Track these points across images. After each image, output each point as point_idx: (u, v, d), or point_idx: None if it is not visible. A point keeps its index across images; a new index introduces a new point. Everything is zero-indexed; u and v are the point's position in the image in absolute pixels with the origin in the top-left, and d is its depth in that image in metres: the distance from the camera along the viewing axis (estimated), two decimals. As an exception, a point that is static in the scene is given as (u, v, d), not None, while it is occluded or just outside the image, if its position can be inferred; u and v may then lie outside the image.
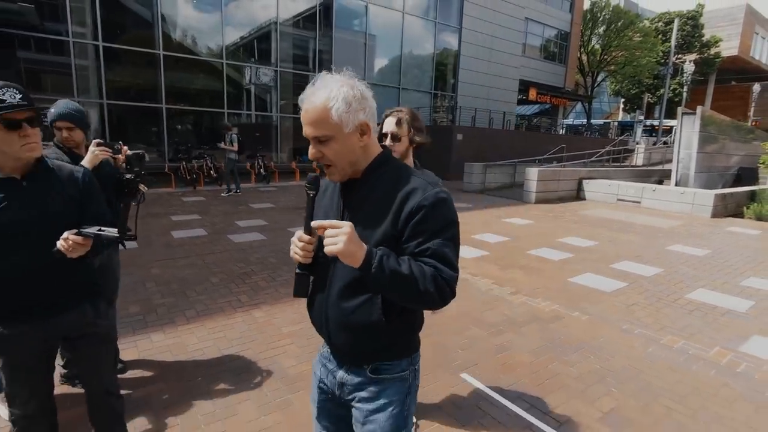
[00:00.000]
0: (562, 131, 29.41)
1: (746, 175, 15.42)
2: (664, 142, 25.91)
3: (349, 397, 1.26)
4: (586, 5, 29.32)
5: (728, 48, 36.11)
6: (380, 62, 17.99)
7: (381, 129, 2.14)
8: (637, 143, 26.41)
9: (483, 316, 3.89)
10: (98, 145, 2.40)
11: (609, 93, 41.93)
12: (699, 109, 12.00)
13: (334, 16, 15.87)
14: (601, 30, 29.99)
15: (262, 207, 9.04)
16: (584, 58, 30.78)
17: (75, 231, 1.47)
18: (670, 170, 13.50)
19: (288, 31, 15.21)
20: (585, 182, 12.22)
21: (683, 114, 12.28)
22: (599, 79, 32.94)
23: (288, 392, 2.63)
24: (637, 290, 4.73)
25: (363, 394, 1.23)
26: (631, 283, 4.95)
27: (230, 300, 4.05)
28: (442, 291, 1.07)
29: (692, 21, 34.97)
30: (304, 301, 1.28)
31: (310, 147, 1.14)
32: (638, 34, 29.56)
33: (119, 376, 2.71)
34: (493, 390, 2.74)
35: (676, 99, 34.50)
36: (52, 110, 2.46)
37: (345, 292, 1.17)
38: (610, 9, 29.25)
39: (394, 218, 1.11)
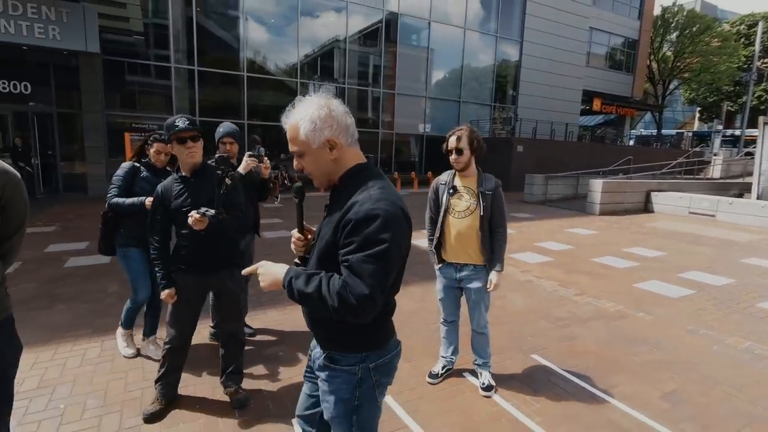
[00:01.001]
0: (630, 142, 28.19)
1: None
2: (747, 153, 24.07)
3: (317, 373, 1.45)
4: (657, 11, 28.14)
5: (825, 51, 32.79)
6: (441, 76, 18.54)
7: (447, 145, 2.70)
8: (715, 154, 24.73)
9: (549, 312, 4.25)
10: (249, 156, 3.17)
11: (683, 102, 39.53)
12: (783, 118, 11.33)
13: (398, 33, 16.71)
14: (673, 36, 28.61)
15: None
16: (654, 65, 29.46)
17: (196, 211, 2.25)
18: (750, 183, 12.77)
19: (354, 48, 16.22)
20: (654, 194, 11.91)
21: (765, 123, 11.64)
22: (671, 87, 31.27)
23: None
24: (705, 297, 4.83)
25: (322, 374, 1.41)
26: (699, 291, 5.05)
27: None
28: (346, 304, 1.16)
29: (780, 22, 32.26)
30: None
31: (294, 159, 1.34)
32: (716, 39, 27.85)
33: (250, 339, 3.43)
34: (562, 369, 3.13)
35: (762, 107, 31.89)
36: (220, 129, 3.29)
37: None
38: (684, 14, 27.87)
39: (336, 227, 1.25)
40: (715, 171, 20.30)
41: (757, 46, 26.26)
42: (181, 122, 2.32)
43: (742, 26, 34.24)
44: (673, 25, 28.21)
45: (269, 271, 1.28)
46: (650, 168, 17.08)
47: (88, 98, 11.15)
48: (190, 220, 2.24)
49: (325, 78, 16.09)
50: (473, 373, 2.98)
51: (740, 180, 17.03)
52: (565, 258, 6.42)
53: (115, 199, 2.89)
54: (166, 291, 2.39)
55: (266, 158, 3.30)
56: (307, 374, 1.56)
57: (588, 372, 3.11)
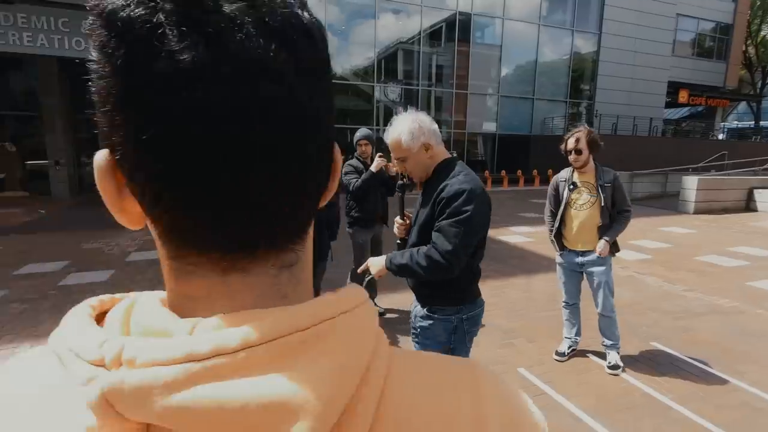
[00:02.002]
0: (722, 135, 25.89)
1: None
2: None
3: (416, 324, 1.84)
4: (756, -9, 25.58)
5: None
6: (513, 74, 18.37)
7: (566, 146, 2.96)
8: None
9: (659, 305, 4.33)
10: (380, 156, 3.64)
11: (786, 89, 35.38)
12: None
13: (470, 33, 16.82)
14: (775, 17, 25.87)
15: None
16: (752, 50, 26.80)
17: None
18: None
19: (426, 50, 16.57)
20: (757, 192, 11.05)
21: None
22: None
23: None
24: (832, 297, 4.61)
25: (424, 323, 1.80)
26: (823, 290, 4.82)
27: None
28: (433, 260, 1.58)
29: None
30: None
31: (397, 164, 1.80)
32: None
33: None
34: (684, 355, 3.27)
35: None
36: (357, 134, 3.82)
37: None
38: (789, -8, 25.11)
39: (432, 205, 1.67)
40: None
41: None
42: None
43: None
44: (774, 5, 25.52)
45: (375, 263, 1.78)
46: (749, 164, 15.72)
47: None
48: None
49: (399, 80, 16.61)
50: (597, 354, 3.22)
51: None
52: (664, 255, 6.32)
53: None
54: None
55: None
56: (413, 335, 1.91)
57: (712, 359, 3.22)
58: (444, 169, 1.73)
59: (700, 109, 27.21)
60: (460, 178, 1.65)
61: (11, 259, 5.69)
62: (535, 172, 16.38)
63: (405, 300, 4.38)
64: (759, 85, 27.45)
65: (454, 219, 1.58)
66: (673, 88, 22.94)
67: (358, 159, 3.81)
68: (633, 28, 19.25)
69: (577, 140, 2.87)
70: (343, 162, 2.97)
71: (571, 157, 2.93)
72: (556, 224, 3.07)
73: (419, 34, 16.12)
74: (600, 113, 17.37)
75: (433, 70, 17.08)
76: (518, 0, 17.41)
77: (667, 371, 3.04)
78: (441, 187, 1.65)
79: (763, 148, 18.89)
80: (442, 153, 1.76)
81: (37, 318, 3.87)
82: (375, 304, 4.03)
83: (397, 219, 1.94)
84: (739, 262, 5.98)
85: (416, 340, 1.92)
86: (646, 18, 19.51)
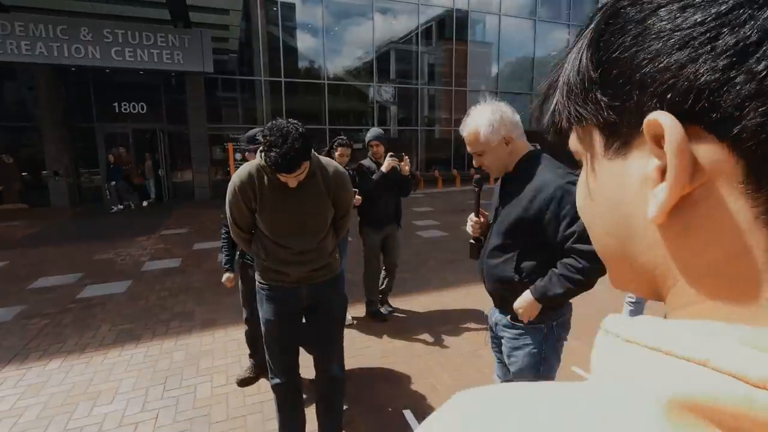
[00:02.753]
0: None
1: None
2: None
3: (500, 334, 1.72)
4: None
5: None
6: (511, 71, 18.34)
7: None
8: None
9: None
10: (391, 156, 3.55)
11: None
12: None
13: (467, 30, 16.79)
14: None
15: (422, 210, 10.20)
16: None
17: None
18: None
19: (424, 48, 16.51)
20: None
21: None
22: None
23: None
24: None
25: (507, 334, 1.66)
26: None
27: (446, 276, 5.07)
28: (591, 271, 1.42)
29: None
30: None
31: (473, 158, 1.63)
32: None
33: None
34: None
35: None
36: (369, 134, 3.73)
37: (492, 253, 1.64)
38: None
39: (528, 205, 1.49)
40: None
41: None
42: (260, 136, 1.93)
43: None
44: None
45: (523, 305, 1.54)
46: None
47: (194, 114, 12.36)
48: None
49: (397, 79, 16.53)
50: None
51: None
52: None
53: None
54: None
55: (406, 158, 3.65)
56: (494, 344, 1.83)
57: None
58: (531, 163, 1.58)
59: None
60: (558, 173, 1.51)
61: (23, 273, 5.53)
62: (537, 167, 16.40)
63: (410, 301, 4.29)
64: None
65: (581, 222, 1.43)
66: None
67: (371, 159, 3.73)
68: (628, 21, 19.32)
69: None
70: (356, 163, 2.82)
71: None
72: None
73: (416, 32, 16.05)
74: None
75: (431, 69, 17.01)
76: (514, -4, 17.41)
77: None
78: (538, 185, 1.49)
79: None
80: (523, 146, 1.61)
81: (62, 333, 3.74)
82: (387, 303, 3.99)
83: (472, 216, 1.79)
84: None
85: (498, 351, 1.81)
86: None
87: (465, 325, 3.74)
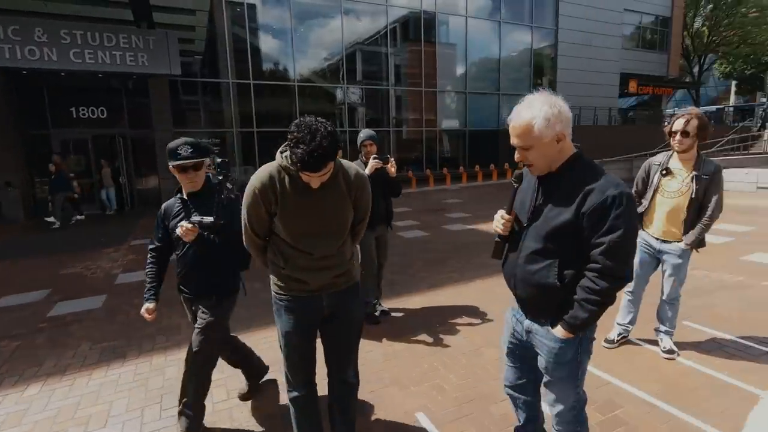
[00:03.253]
0: (665, 122, 27.60)
1: None
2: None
3: (533, 342, 1.65)
4: (689, -14, 27.44)
5: None
6: (479, 71, 18.69)
7: (672, 127, 2.74)
8: (762, 127, 23.98)
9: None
10: (374, 159, 3.53)
11: (718, 77, 38.30)
12: None
13: (436, 31, 16.99)
14: (707, 10, 27.88)
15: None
16: (688, 41, 28.76)
17: (187, 220, 2.18)
18: (814, 154, 12.48)
19: (393, 50, 16.56)
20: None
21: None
22: (707, 63, 30.42)
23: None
24: (819, 265, 4.95)
25: (547, 344, 1.58)
26: (809, 259, 5.17)
27: (445, 275, 5.10)
28: (612, 290, 1.41)
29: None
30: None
31: (517, 151, 1.50)
32: (754, 10, 26.97)
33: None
34: (716, 330, 3.39)
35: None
36: (361, 135, 3.75)
37: (530, 257, 1.53)
38: (718, -14, 27.13)
39: (577, 209, 1.40)
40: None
41: (800, 13, 25.32)
42: (184, 150, 2.15)
43: (778, -7, 32.95)
44: (705, -1, 27.51)
45: (559, 355, 1.55)
46: (703, 146, 16.81)
47: (159, 118, 11.86)
48: (179, 230, 2.13)
49: (367, 81, 16.50)
50: (647, 342, 3.26)
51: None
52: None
53: None
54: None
55: (392, 159, 3.63)
56: (510, 347, 1.78)
57: (747, 332, 3.35)
58: (580, 164, 1.50)
59: (645, 97, 28.91)
60: (609, 179, 1.42)
61: (-18, 293, 5.12)
62: (506, 165, 16.79)
63: (404, 302, 4.30)
64: (697, 73, 29.47)
65: (622, 232, 1.37)
66: (623, 79, 24.22)
67: (362, 160, 3.73)
68: (586, 23, 20.13)
69: (687, 122, 2.66)
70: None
71: (676, 139, 2.71)
72: (641, 209, 2.94)
73: (386, 33, 16.08)
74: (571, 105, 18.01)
75: (400, 70, 17.09)
76: (479, -2, 17.77)
77: (711, 348, 3.13)
78: (585, 191, 1.40)
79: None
80: (570, 146, 1.51)
81: (37, 355, 3.48)
82: (379, 304, 3.96)
83: (503, 213, 1.64)
84: (725, 239, 6.33)
85: (515, 358, 1.79)
86: (597, 13, 20.46)
87: (462, 324, 3.76)
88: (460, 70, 17.91)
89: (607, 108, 19.30)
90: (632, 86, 25.82)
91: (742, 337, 3.28)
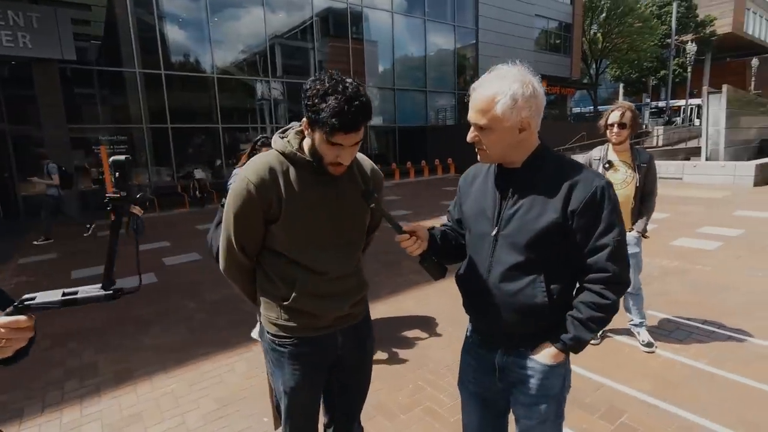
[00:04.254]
0: (570, 120, 30.25)
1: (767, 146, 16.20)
2: (679, 122, 26.62)
3: (512, 379, 1.29)
4: (586, -4, 30.26)
5: (722, 26, 37.00)
6: (406, 68, 18.74)
7: (606, 120, 2.90)
8: (646, 125, 27.27)
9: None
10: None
11: (609, 79, 42.90)
12: (724, 87, 12.79)
13: (363, 26, 16.68)
14: (601, 18, 30.95)
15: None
16: (586, 46, 31.72)
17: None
18: (694, 148, 14.29)
19: (319, 45, 15.96)
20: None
21: (709, 93, 13.06)
22: (603, 66, 33.84)
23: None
24: (735, 246, 5.47)
25: (534, 379, 1.25)
26: (725, 242, 5.70)
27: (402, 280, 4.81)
28: (618, 296, 1.17)
29: (686, 2, 35.90)
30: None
31: (471, 130, 1.21)
32: (638, 21, 30.50)
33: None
34: (678, 317, 3.49)
35: (676, 80, 35.40)
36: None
37: (508, 274, 1.21)
38: (609, -3, 30.24)
39: (563, 208, 1.14)
40: (659, 140, 22.39)
41: (674, 25, 29.15)
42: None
43: (654, 7, 37.71)
44: (600, 8, 30.51)
45: (551, 361, 1.24)
46: (601, 142, 18.51)
47: (48, 112, 10.07)
48: None
49: (294, 76, 15.72)
50: (620, 334, 3.24)
51: (683, 146, 18.96)
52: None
53: None
54: None
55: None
56: (474, 392, 1.40)
57: (705, 316, 3.48)
58: (551, 158, 1.23)
59: (552, 97, 31.42)
60: (589, 170, 1.19)
61: None
62: (437, 161, 17.05)
63: (371, 310, 3.98)
64: (594, 76, 32.65)
65: (620, 230, 1.15)
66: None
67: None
68: (503, 25, 21.17)
69: (623, 114, 2.78)
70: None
71: (614, 131, 2.81)
72: None
73: (311, 26, 15.41)
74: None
75: (327, 65, 16.52)
76: (403, -6, 17.79)
77: (682, 337, 3.18)
78: (572, 182, 1.15)
79: (608, 128, 22.52)
80: (535, 140, 1.23)
81: None
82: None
83: (399, 237, 1.27)
84: (652, 226, 6.80)
85: (483, 392, 1.38)
86: (512, 16, 21.64)
87: (437, 332, 3.49)
88: (387, 67, 17.80)
89: (524, 106, 20.45)
90: (543, 85, 27.83)
91: (704, 322, 3.40)
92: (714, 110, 12.92)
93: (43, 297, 0.88)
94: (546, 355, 1.23)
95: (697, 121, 29.23)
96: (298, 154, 1.28)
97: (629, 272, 1.20)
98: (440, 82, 19.64)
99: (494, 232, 1.23)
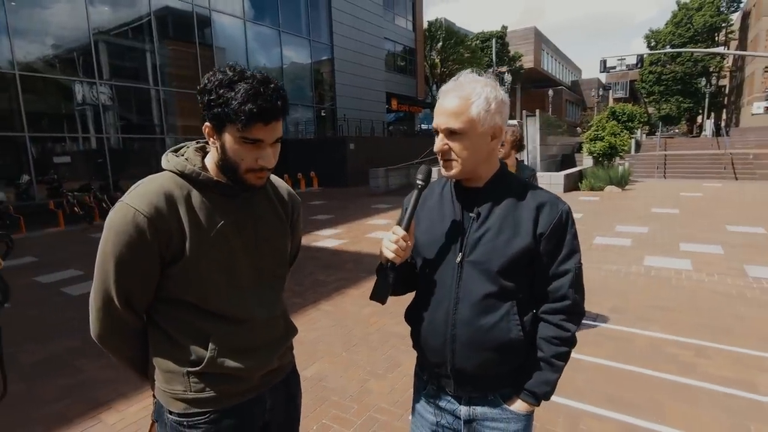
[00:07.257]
0: (419, 135, 33.15)
1: (566, 160, 20.24)
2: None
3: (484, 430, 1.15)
4: (426, 25, 33.72)
5: (527, 62, 45.40)
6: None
7: None
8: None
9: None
10: None
11: (447, 100, 48.30)
12: (537, 111, 15.57)
13: (212, 33, 15.47)
14: (438, 46, 34.86)
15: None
16: (427, 70, 35.33)
17: None
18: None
19: (162, 49, 14.26)
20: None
21: (527, 116, 15.73)
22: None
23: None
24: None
25: (500, 426, 1.14)
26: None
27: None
28: (575, 328, 1.11)
29: (501, 40, 42.96)
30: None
31: (438, 139, 1.09)
32: (467, 51, 35.27)
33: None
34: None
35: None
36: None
37: (480, 307, 1.07)
38: (444, 29, 34.27)
39: (533, 230, 1.07)
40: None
41: (494, 57, 34.49)
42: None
43: (477, 41, 44.15)
44: (437, 37, 34.36)
45: (522, 415, 1.14)
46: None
47: None
48: None
49: (122, 78, 13.65)
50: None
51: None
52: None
53: None
54: None
55: None
56: None
57: (620, 318, 3.99)
58: (510, 177, 1.16)
59: (401, 114, 34.06)
60: (554, 195, 1.13)
61: None
62: (299, 175, 16.72)
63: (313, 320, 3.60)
64: (436, 96, 36.51)
65: (579, 255, 1.11)
66: (387, 97, 27.79)
67: None
68: (356, 44, 22.08)
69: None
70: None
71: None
72: None
73: (149, 26, 13.62)
74: (348, 118, 19.19)
75: (170, 70, 14.81)
76: (260, 3, 17.11)
77: (605, 341, 3.46)
78: (539, 203, 1.09)
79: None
80: (497, 157, 1.16)
81: None
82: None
83: (397, 229, 1.08)
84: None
85: None
86: (364, 36, 22.74)
87: (329, 355, 3.26)
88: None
89: (380, 121, 21.58)
90: (394, 104, 29.91)
91: (594, 319, 3.90)
92: (531, 130, 15.57)
93: None
94: (520, 407, 1.13)
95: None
96: (203, 173, 0.99)
97: (583, 302, 1.13)
98: (297, 95, 19.43)
99: (459, 259, 1.09)
